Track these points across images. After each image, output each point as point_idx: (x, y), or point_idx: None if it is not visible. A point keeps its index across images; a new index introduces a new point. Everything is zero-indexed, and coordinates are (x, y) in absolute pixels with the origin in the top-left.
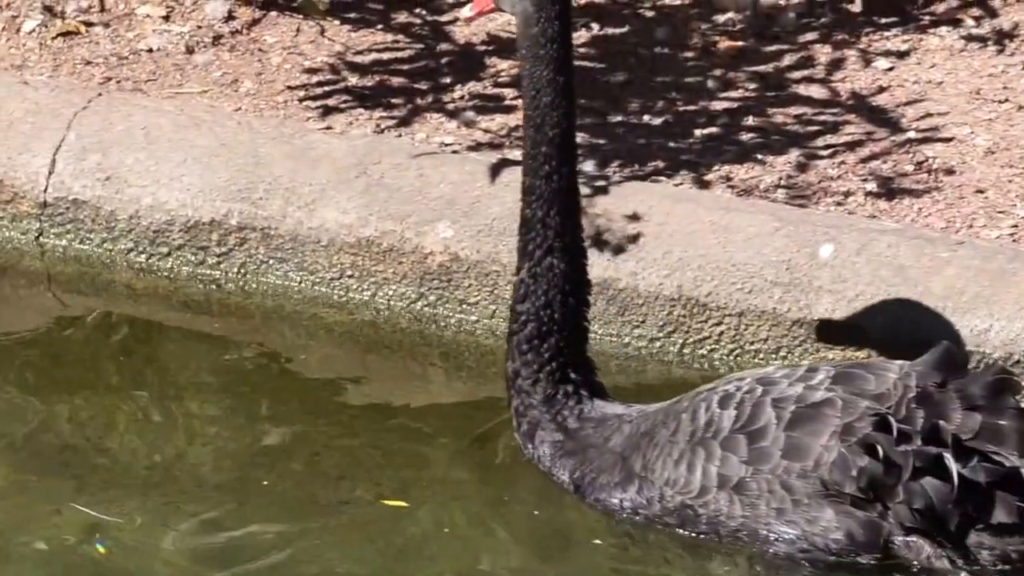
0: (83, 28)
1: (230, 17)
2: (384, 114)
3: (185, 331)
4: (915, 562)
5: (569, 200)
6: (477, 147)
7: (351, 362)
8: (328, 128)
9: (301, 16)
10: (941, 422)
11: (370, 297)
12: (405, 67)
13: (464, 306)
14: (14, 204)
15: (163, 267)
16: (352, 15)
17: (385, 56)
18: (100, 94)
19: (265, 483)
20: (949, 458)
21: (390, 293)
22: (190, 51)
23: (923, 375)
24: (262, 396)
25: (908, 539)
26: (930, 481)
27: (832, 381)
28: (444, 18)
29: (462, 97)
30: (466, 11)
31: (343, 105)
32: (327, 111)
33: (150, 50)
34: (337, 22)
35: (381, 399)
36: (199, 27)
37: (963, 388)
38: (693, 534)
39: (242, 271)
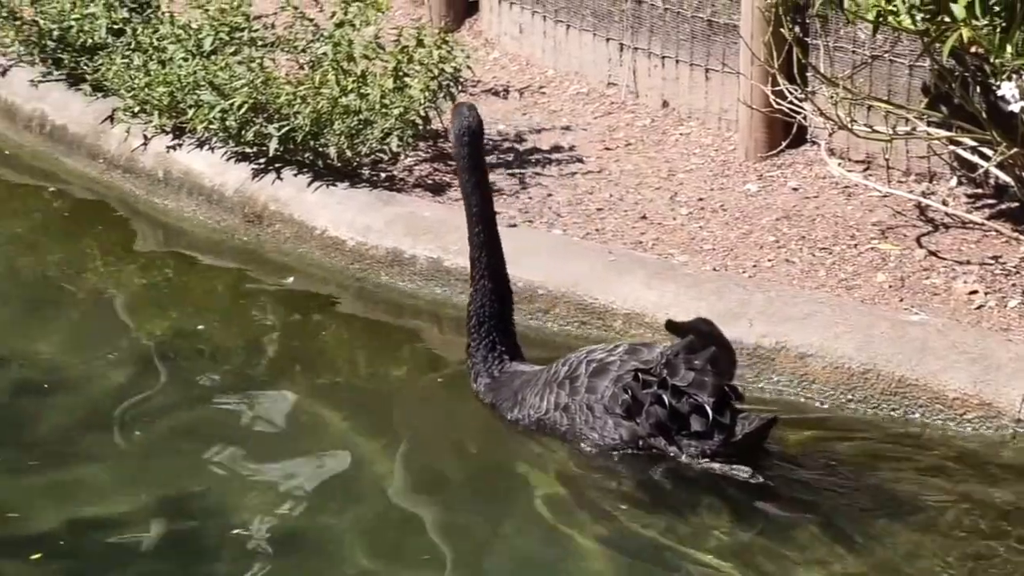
0: None
1: None
2: None
3: None
4: (654, 449)
5: (492, 245)
6: None
7: None
8: None
9: None
10: (670, 378)
11: None
12: None
13: None
14: (987, 421)
15: None
16: None
17: None
18: None
19: None
20: (666, 396)
21: None
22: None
23: (672, 352)
24: None
25: (650, 439)
26: (657, 408)
27: (624, 352)
28: None
29: None
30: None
31: None
32: None
33: None
34: None
35: None
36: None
37: (689, 359)
38: (543, 433)
39: None
